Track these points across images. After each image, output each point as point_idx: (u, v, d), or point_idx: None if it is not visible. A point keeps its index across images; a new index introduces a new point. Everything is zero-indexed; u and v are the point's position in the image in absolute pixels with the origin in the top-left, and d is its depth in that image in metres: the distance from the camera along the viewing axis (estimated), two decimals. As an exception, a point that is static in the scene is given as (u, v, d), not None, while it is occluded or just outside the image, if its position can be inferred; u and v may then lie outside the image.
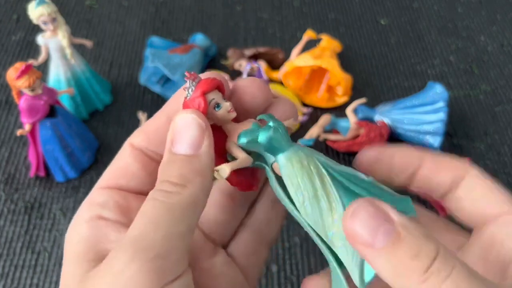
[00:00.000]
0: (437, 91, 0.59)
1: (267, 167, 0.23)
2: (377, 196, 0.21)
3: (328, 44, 0.66)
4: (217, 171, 0.21)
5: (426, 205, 0.55)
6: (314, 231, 0.21)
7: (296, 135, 0.60)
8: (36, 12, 0.53)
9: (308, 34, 0.68)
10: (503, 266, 0.20)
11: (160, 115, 0.23)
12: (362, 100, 0.61)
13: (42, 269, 0.50)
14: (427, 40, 0.75)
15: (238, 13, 0.78)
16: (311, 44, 0.68)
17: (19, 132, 0.52)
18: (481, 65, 0.71)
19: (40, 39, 0.56)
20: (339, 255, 0.21)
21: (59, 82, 0.59)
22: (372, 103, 0.63)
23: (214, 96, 0.22)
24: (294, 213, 0.22)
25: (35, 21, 0.54)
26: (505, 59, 0.72)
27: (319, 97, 0.65)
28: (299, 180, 0.21)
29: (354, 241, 0.18)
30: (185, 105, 0.22)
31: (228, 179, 0.22)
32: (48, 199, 0.55)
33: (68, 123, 0.54)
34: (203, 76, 0.23)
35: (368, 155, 0.25)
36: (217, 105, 0.22)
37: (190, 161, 0.20)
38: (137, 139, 0.23)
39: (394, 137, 0.59)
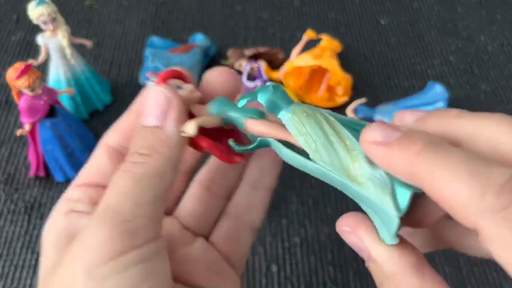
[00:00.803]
0: (437, 91, 0.59)
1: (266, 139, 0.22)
2: None
3: (328, 44, 0.66)
4: (184, 127, 0.21)
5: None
6: (337, 175, 0.20)
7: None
8: (36, 12, 0.53)
9: (308, 34, 0.68)
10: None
11: (130, 114, 0.24)
12: (362, 100, 0.61)
13: (42, 269, 0.50)
14: (427, 40, 0.75)
15: (238, 13, 0.78)
16: (311, 44, 0.67)
17: (19, 132, 0.52)
18: (481, 65, 0.71)
19: (40, 39, 0.56)
20: (366, 192, 0.19)
21: (59, 82, 0.59)
22: (372, 103, 0.63)
23: (175, 82, 0.23)
24: (308, 166, 0.21)
25: (35, 21, 0.54)
26: (505, 59, 0.72)
27: (319, 97, 0.65)
28: (307, 128, 0.21)
29: (373, 146, 0.18)
30: None
31: (206, 147, 0.22)
32: (48, 199, 0.55)
33: (68, 123, 0.54)
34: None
35: None
36: (178, 87, 0.22)
37: (156, 132, 0.21)
38: (111, 138, 0.24)
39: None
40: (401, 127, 0.18)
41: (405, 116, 0.21)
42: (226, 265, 0.25)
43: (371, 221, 0.20)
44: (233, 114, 0.23)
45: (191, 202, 0.26)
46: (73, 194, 0.23)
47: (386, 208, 0.19)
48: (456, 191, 0.15)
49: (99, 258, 0.18)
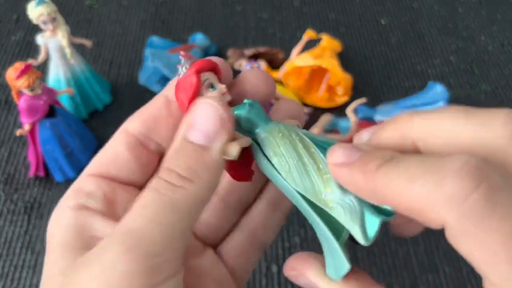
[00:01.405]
0: (437, 91, 0.59)
1: (252, 141, 0.22)
2: None
3: (328, 44, 0.66)
4: (224, 151, 0.20)
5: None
6: (306, 199, 0.20)
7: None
8: (35, 12, 0.53)
9: (308, 34, 0.68)
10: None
11: (158, 98, 0.22)
12: (362, 100, 0.61)
13: (42, 269, 0.49)
14: (428, 40, 0.75)
15: (238, 13, 0.78)
16: (311, 44, 0.67)
17: (18, 132, 0.52)
18: (482, 65, 0.71)
19: (40, 39, 0.56)
20: (335, 216, 0.19)
21: (58, 82, 0.59)
22: (372, 103, 0.62)
23: (209, 76, 0.21)
24: (282, 184, 0.21)
25: (34, 21, 0.54)
26: (505, 59, 0.72)
27: (319, 97, 0.65)
28: (281, 149, 0.21)
29: (336, 169, 0.18)
30: (178, 84, 0.21)
31: (227, 167, 0.22)
32: (47, 199, 0.55)
33: (67, 123, 0.54)
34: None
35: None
36: (211, 86, 0.21)
37: (202, 153, 0.19)
38: (132, 123, 0.21)
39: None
40: (361, 146, 0.18)
41: (362, 134, 0.21)
42: (231, 281, 0.24)
43: (319, 257, 0.21)
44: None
45: (205, 211, 0.24)
46: (85, 185, 0.20)
47: (353, 232, 0.19)
48: (415, 193, 0.15)
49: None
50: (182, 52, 0.22)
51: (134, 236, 0.17)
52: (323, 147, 0.21)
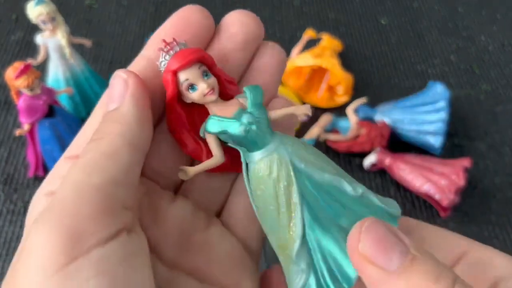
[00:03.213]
0: (437, 91, 0.59)
1: (242, 155, 0.21)
2: (361, 213, 0.19)
3: (329, 43, 0.66)
4: (182, 170, 0.21)
5: (426, 204, 0.54)
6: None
7: (296, 135, 0.60)
8: (35, 12, 0.53)
9: (308, 34, 0.68)
10: (492, 285, 0.19)
11: (139, 60, 0.22)
12: (363, 99, 0.61)
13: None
14: (428, 39, 0.75)
15: (238, 13, 0.78)
16: (311, 44, 0.67)
17: (18, 132, 0.52)
18: (482, 64, 0.71)
19: (39, 39, 0.56)
20: (287, 270, 0.20)
21: (58, 82, 0.59)
22: (372, 103, 0.62)
23: (190, 75, 0.20)
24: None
25: (34, 21, 0.54)
26: (505, 59, 0.72)
27: (319, 97, 0.65)
28: (261, 187, 0.20)
29: (364, 263, 0.16)
30: (163, 75, 0.21)
31: (190, 149, 0.21)
32: (47, 199, 0.55)
33: (67, 123, 0.54)
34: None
35: None
36: (191, 87, 0.20)
37: (112, 114, 0.20)
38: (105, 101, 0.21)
39: (395, 137, 0.59)
40: (409, 245, 0.16)
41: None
42: (244, 253, 0.23)
43: None
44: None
45: (200, 175, 0.22)
46: (61, 169, 0.20)
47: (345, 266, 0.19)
48: None
49: (44, 273, 0.16)
50: (163, 42, 0.20)
51: (51, 206, 0.17)
52: (319, 195, 0.19)
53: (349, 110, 0.59)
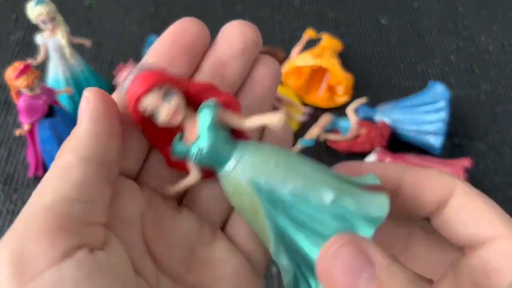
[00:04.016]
0: (438, 91, 0.59)
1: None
2: (328, 224, 0.19)
3: (329, 43, 0.66)
4: (165, 188, 0.21)
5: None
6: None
7: (296, 135, 0.60)
8: (35, 12, 0.53)
9: (308, 34, 0.68)
10: None
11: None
12: (363, 99, 0.61)
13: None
14: (428, 39, 0.75)
15: (238, 13, 0.78)
16: (311, 44, 0.67)
17: (17, 132, 0.52)
18: (482, 64, 0.71)
19: (39, 39, 0.56)
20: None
21: (58, 81, 0.59)
22: (372, 103, 0.62)
23: (149, 102, 0.19)
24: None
25: (34, 21, 0.54)
26: (505, 59, 0.72)
27: (319, 97, 0.65)
28: (235, 199, 0.20)
29: (331, 286, 0.16)
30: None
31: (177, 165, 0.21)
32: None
33: (67, 123, 0.54)
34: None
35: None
36: (154, 114, 0.20)
37: (71, 132, 0.20)
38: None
39: (395, 137, 0.59)
40: (372, 255, 0.16)
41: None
42: (250, 270, 0.22)
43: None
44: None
45: (205, 185, 0.22)
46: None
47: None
48: None
49: None
50: (117, 69, 0.20)
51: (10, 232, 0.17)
52: (290, 205, 0.19)
53: (349, 110, 0.59)
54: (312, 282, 0.19)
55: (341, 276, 0.16)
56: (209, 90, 0.21)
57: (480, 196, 0.21)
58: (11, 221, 0.53)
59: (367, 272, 0.16)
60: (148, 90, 0.19)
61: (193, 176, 0.21)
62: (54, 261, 0.16)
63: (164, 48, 0.22)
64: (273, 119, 0.20)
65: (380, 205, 0.19)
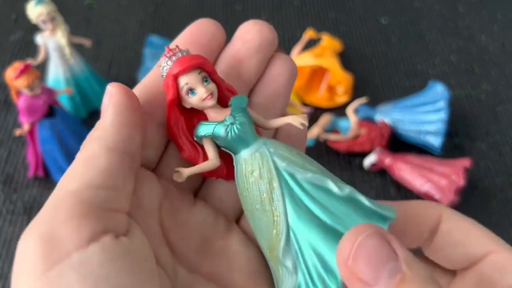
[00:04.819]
0: (438, 91, 0.59)
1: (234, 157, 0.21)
2: (347, 212, 0.19)
3: (329, 43, 0.66)
4: (177, 171, 0.21)
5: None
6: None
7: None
8: (35, 12, 0.53)
9: (309, 34, 0.68)
10: None
11: (154, 69, 0.23)
12: (363, 99, 0.61)
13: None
14: (428, 39, 0.75)
15: (238, 13, 0.78)
16: (311, 44, 0.67)
17: (17, 132, 0.52)
18: (482, 64, 0.71)
19: (39, 39, 0.56)
20: (276, 273, 0.20)
21: (58, 81, 0.59)
22: (372, 103, 0.62)
23: (190, 80, 0.21)
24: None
25: (34, 21, 0.54)
26: (506, 59, 0.72)
27: (319, 97, 0.65)
28: (246, 186, 0.20)
29: (352, 278, 0.16)
30: (164, 80, 0.21)
31: (187, 155, 0.22)
32: (47, 199, 0.54)
33: (66, 123, 0.54)
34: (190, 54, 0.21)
35: None
36: (191, 91, 0.21)
37: (96, 124, 0.21)
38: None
39: (395, 137, 0.59)
40: (396, 247, 0.16)
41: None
42: (263, 263, 0.22)
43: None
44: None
45: (218, 182, 0.23)
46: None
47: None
48: None
49: (28, 281, 0.17)
50: (166, 49, 0.21)
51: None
52: (303, 195, 0.19)
53: (349, 110, 0.59)
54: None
55: (364, 266, 0.16)
56: (233, 92, 0.22)
57: (466, 219, 0.22)
58: (11, 221, 0.53)
59: (391, 265, 0.16)
60: (191, 68, 0.21)
61: (211, 161, 0.21)
62: (81, 244, 0.17)
63: (182, 47, 0.22)
64: (296, 121, 0.21)
65: (389, 208, 0.20)
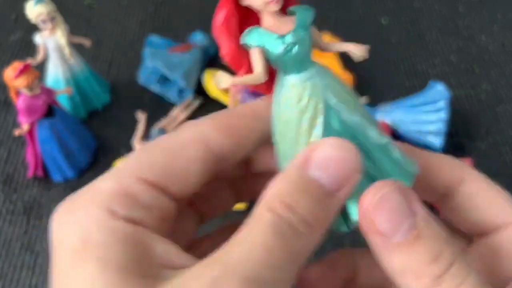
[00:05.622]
0: (438, 91, 0.59)
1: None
2: (380, 161, 0.19)
3: (329, 43, 0.66)
4: (219, 77, 0.19)
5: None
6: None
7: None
8: (34, 11, 0.53)
9: (309, 34, 0.68)
10: (507, 281, 0.19)
11: (243, 109, 0.20)
12: (363, 100, 0.61)
13: (41, 270, 0.49)
14: (428, 39, 0.75)
15: (238, 12, 0.78)
16: (311, 44, 0.67)
17: (17, 132, 0.52)
18: (482, 64, 0.71)
19: (38, 38, 0.56)
20: None
21: (57, 81, 0.59)
22: (373, 103, 0.62)
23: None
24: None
25: (33, 20, 0.54)
26: (506, 59, 0.72)
27: (319, 97, 0.65)
28: (287, 113, 0.18)
29: (371, 227, 0.16)
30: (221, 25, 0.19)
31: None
32: (47, 199, 0.54)
33: (66, 123, 0.54)
34: None
35: None
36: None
37: (327, 199, 0.17)
38: (207, 128, 0.19)
39: (395, 137, 0.59)
40: (416, 205, 0.17)
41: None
42: None
43: None
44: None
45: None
46: (137, 191, 0.17)
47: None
48: None
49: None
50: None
51: (252, 281, 0.15)
52: (354, 136, 0.18)
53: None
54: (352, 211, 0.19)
55: (384, 220, 0.16)
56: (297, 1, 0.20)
57: (490, 183, 0.21)
58: (11, 221, 0.52)
59: (409, 220, 0.16)
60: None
61: (257, 75, 0.19)
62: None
63: None
64: (357, 49, 0.20)
65: (412, 162, 0.20)
